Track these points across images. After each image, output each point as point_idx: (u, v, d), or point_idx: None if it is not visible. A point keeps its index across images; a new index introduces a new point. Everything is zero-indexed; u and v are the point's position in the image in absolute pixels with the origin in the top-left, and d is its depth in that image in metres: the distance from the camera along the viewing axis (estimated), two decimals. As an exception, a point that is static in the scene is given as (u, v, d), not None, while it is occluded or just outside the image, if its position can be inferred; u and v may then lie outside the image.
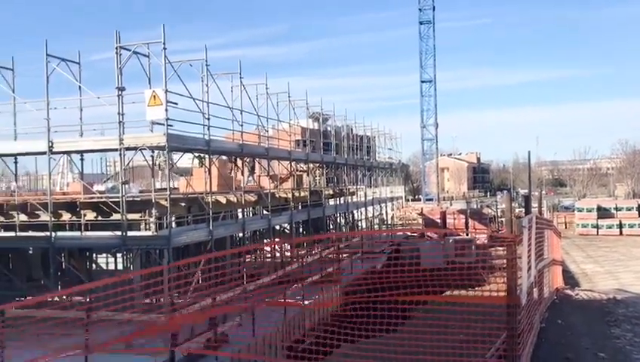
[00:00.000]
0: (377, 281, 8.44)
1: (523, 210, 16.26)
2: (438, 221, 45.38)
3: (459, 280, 10.62)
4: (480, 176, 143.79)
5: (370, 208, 40.64)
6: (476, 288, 12.43)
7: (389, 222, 46.81)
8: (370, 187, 41.59)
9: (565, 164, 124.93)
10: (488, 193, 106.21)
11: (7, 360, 10.93)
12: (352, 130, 37.72)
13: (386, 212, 46.59)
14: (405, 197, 65.54)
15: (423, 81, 69.43)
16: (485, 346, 8.13)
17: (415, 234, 43.03)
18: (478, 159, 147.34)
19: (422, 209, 51.31)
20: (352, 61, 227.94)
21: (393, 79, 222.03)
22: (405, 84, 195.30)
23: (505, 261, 8.13)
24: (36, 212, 19.27)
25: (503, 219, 49.44)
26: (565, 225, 52.84)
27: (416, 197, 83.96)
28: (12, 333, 11.85)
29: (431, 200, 68.97)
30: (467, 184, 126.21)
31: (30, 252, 22.10)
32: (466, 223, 44.08)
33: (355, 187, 39.76)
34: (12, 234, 19.10)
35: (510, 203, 8.54)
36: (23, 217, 19.28)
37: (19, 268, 21.60)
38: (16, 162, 20.95)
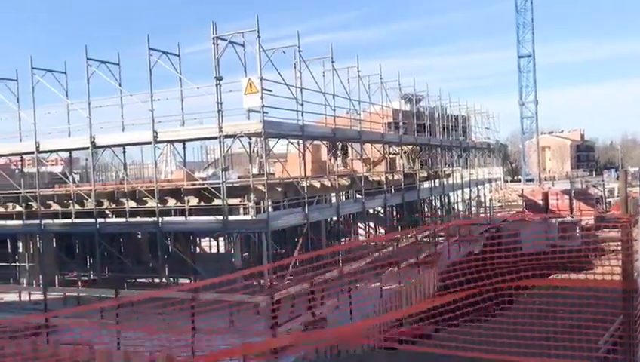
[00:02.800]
0: (474, 265, 8.16)
1: (636, 188, 15.13)
2: (540, 202, 43.35)
3: (564, 264, 10.08)
4: (584, 155, 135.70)
5: (466, 190, 39.61)
6: (584, 272, 11.75)
7: (487, 205, 45.35)
8: (467, 168, 40.47)
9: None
10: (594, 172, 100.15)
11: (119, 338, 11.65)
12: (446, 110, 36.76)
13: (484, 194, 45.17)
14: (504, 178, 63.14)
15: (520, 57, 66.34)
16: (597, 332, 7.69)
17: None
18: (582, 136, 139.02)
19: (522, 190, 49.21)
20: (445, 40, 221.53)
21: (488, 55, 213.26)
22: (502, 60, 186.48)
23: (617, 243, 7.62)
24: (143, 198, 20.39)
25: (612, 200, 46.49)
26: (683, 205, 48.71)
27: (516, 178, 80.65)
28: (126, 313, 12.68)
29: (531, 180, 66.01)
30: (570, 163, 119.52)
31: (139, 236, 23.48)
32: (570, 204, 41.81)
33: (450, 169, 38.84)
34: (122, 219, 20.38)
35: (625, 181, 7.92)
36: (132, 204, 20.45)
37: (129, 251, 23.03)
38: (124, 152, 22.21)
